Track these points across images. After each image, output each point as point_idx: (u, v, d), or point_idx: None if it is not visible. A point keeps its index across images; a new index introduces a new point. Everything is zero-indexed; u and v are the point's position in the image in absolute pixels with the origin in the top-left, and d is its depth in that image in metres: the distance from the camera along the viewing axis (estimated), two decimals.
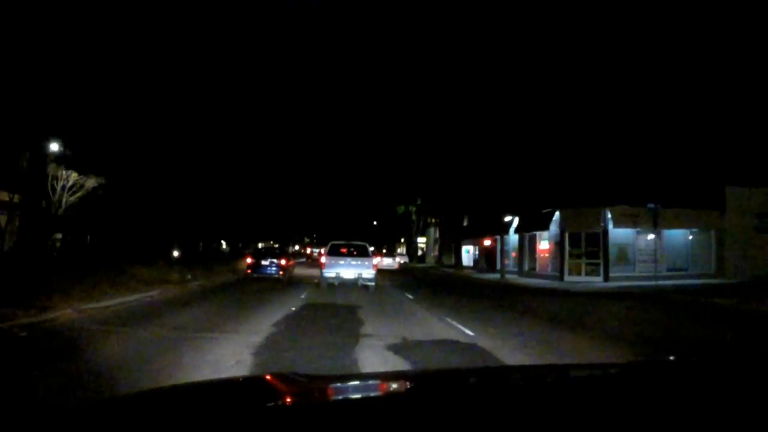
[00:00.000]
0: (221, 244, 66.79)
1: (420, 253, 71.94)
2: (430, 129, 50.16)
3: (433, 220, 64.23)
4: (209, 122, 36.25)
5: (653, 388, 1.62)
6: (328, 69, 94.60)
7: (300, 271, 32.30)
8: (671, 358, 3.56)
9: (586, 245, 28.46)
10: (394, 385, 1.96)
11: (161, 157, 30.74)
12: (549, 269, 30.60)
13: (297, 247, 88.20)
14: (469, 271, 43.45)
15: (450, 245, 53.87)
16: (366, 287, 19.82)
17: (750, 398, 1.42)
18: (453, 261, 52.99)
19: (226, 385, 2.01)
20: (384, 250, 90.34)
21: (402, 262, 61.46)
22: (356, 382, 2.15)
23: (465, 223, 47.18)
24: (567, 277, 28.38)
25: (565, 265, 28.73)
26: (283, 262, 25.41)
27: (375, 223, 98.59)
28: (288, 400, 1.54)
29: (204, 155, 36.70)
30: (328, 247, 21.82)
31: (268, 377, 1.84)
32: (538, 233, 32.44)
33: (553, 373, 2.32)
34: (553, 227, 29.51)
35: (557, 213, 29.31)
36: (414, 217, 63.40)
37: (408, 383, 2.01)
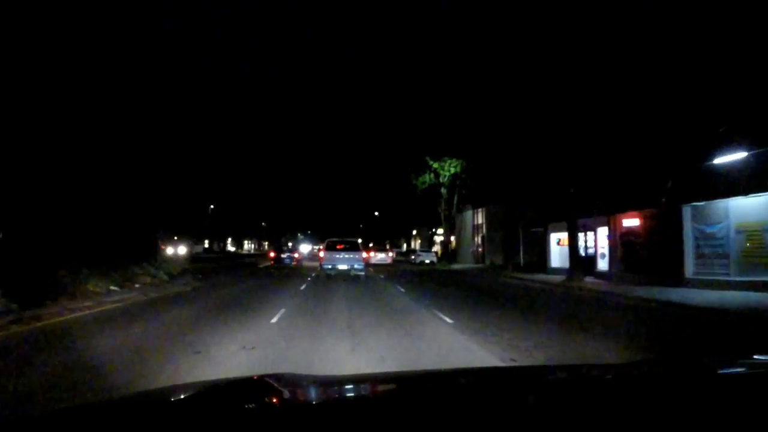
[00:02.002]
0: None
1: (436, 248, 50.40)
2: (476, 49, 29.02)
3: (457, 205, 42.68)
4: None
5: (651, 390, 1.55)
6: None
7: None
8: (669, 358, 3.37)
9: None
10: (392, 386, 1.88)
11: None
12: None
13: (290, 245, 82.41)
14: (593, 282, 21.73)
15: (512, 236, 32.16)
16: (357, 276, 22.70)
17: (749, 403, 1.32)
18: (521, 260, 31.42)
19: (225, 385, 1.84)
20: (388, 246, 71.19)
21: (427, 261, 40.39)
22: (354, 383, 1.94)
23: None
24: None
25: None
26: (296, 255, 38.90)
27: (376, 213, 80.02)
28: (286, 400, 1.50)
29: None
30: (326, 243, 24.83)
31: (266, 378, 1.67)
32: None
33: (550, 374, 2.17)
34: None
35: None
36: (444, 192, 41.62)
37: (406, 384, 1.90)
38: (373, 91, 78.85)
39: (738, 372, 1.81)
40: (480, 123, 33.63)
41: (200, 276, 22.55)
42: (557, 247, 27.76)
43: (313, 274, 24.67)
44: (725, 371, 1.83)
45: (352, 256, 23.15)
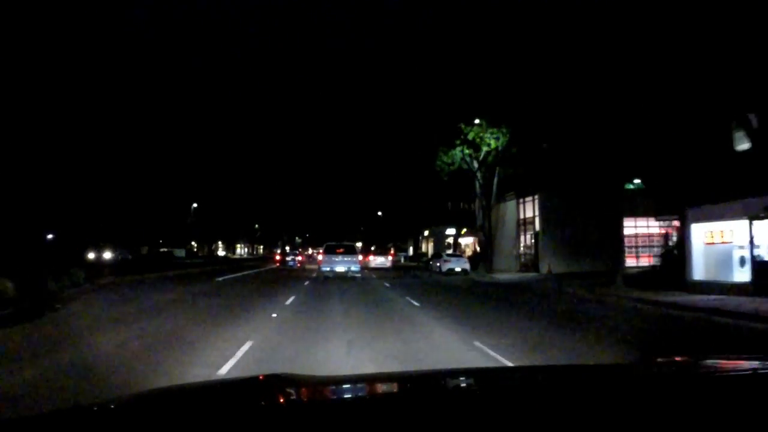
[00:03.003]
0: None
1: (457, 250, 39.10)
2: None
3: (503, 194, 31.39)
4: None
5: (651, 390, 1.51)
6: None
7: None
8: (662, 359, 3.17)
9: None
10: (392, 386, 1.86)
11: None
12: None
13: (288, 248, 77.09)
14: None
15: (605, 232, 20.88)
16: (354, 278, 23.80)
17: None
18: (616, 267, 20.25)
19: (224, 386, 1.89)
20: (392, 249, 62.42)
21: (458, 269, 29.61)
22: (353, 383, 1.95)
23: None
24: None
25: None
26: (299, 258, 43.44)
27: (379, 213, 70.24)
28: (286, 400, 1.49)
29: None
30: (324, 247, 25.99)
31: (267, 378, 1.69)
32: None
33: (548, 374, 2.16)
34: None
35: None
36: (480, 175, 30.39)
37: (405, 384, 1.88)
38: (377, 61, 68.00)
39: (738, 372, 1.76)
40: (537, 68, 22.80)
41: (57, 307, 11.31)
42: (702, 247, 16.62)
43: (289, 300, 15.12)
44: (725, 371, 1.79)
45: (349, 258, 24.36)
